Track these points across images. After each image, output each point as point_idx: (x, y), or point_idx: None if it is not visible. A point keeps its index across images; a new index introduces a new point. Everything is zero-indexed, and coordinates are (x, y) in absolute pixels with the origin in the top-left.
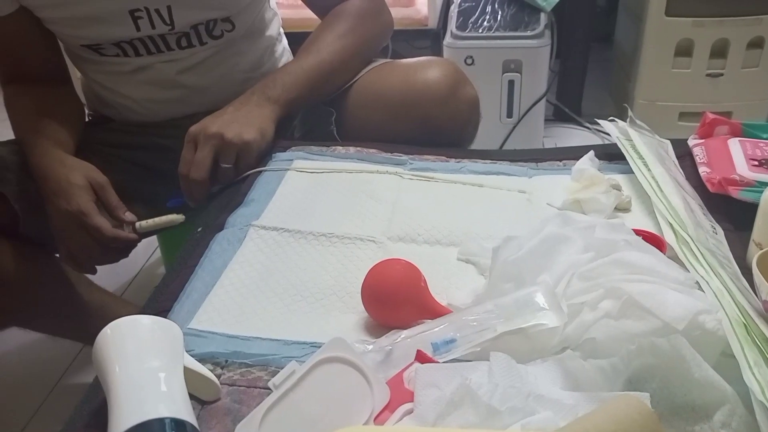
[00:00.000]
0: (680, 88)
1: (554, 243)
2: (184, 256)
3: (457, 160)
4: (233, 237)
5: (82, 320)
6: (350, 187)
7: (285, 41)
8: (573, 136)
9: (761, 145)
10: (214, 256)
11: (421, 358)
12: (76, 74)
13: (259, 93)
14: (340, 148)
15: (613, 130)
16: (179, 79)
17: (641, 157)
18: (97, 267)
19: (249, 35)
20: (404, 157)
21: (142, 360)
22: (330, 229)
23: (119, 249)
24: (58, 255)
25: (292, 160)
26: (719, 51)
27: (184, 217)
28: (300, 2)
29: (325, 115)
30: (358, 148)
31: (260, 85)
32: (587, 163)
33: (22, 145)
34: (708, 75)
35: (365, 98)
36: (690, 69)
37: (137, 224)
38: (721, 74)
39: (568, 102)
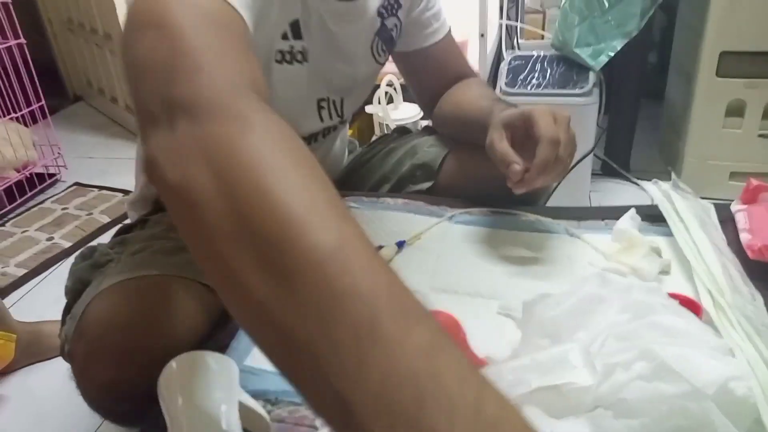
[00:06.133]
0: (731, 147)
1: (592, 303)
2: None
3: (501, 215)
4: None
5: None
6: (397, 238)
7: None
8: (620, 191)
9: None
10: None
11: None
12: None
13: None
14: (389, 199)
15: (656, 192)
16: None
17: (682, 221)
18: None
19: None
20: (449, 211)
21: (203, 394)
22: None
23: None
24: None
25: None
26: None
27: None
28: None
29: (421, 181)
30: (406, 200)
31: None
32: (628, 222)
33: None
34: (760, 135)
35: (457, 168)
36: (741, 129)
37: None
38: None
39: (617, 157)
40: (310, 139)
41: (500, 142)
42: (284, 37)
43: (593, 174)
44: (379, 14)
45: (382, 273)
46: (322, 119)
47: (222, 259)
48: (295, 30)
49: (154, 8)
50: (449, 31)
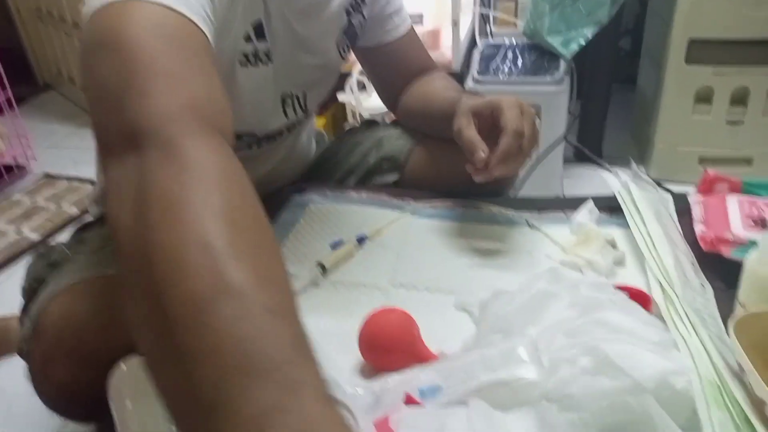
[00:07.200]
0: (701, 133)
1: (542, 299)
2: None
3: (463, 207)
4: None
5: None
6: (359, 233)
7: None
8: (593, 177)
9: (759, 203)
10: None
11: (408, 402)
12: None
13: None
14: (353, 192)
15: (615, 183)
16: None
17: (639, 212)
18: None
19: None
20: (412, 204)
21: (153, 398)
22: (337, 277)
23: None
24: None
25: (307, 204)
26: (739, 98)
27: None
28: None
29: (388, 174)
30: (370, 194)
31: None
32: (585, 215)
33: None
34: (728, 122)
35: (424, 160)
36: (710, 115)
37: None
38: (742, 121)
39: (589, 143)
40: (275, 135)
41: (468, 129)
42: (247, 39)
43: (566, 160)
44: (347, 12)
45: (251, 322)
46: (286, 115)
47: (133, 304)
48: (259, 31)
49: (111, 26)
50: (411, 26)
